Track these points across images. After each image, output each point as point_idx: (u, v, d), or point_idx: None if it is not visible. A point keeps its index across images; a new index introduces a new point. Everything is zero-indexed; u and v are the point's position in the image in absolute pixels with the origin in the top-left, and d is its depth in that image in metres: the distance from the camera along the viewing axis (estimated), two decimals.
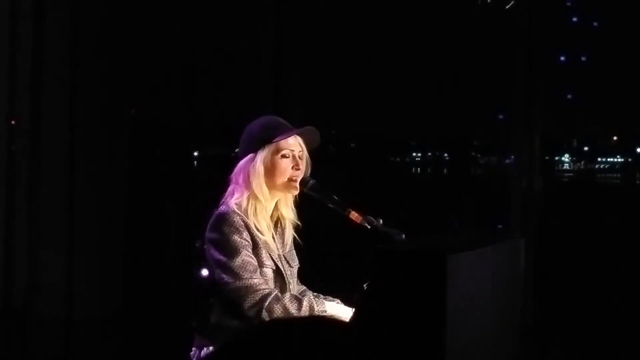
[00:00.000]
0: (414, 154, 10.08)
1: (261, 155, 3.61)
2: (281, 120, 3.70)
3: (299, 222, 3.74)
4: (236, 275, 3.48)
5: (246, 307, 3.46)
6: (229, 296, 3.48)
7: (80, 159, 7.58)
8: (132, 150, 7.97)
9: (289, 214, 3.72)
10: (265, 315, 3.44)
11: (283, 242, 3.71)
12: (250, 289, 3.47)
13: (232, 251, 3.50)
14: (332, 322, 3.39)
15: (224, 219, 3.54)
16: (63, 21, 7.53)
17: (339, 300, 3.70)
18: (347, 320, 3.39)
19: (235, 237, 3.52)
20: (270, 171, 3.61)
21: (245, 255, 3.51)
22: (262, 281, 3.51)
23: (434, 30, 8.83)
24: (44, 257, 7.56)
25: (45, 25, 7.52)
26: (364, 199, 3.83)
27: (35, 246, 7.54)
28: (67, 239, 7.58)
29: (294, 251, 3.77)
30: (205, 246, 3.57)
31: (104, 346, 7.15)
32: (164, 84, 8.84)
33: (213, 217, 3.58)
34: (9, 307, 7.54)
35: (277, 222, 3.72)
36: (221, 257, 3.50)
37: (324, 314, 3.54)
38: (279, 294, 3.51)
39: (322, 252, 7.38)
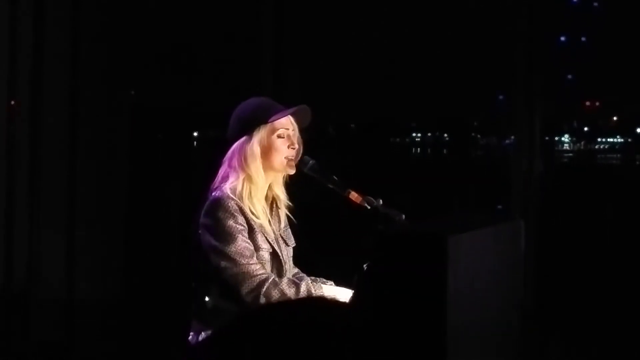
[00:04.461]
0: (414, 135, 10.07)
1: (257, 137, 3.60)
2: (271, 100, 3.69)
3: (290, 203, 3.74)
4: (233, 261, 3.47)
5: (244, 293, 3.46)
6: (227, 282, 3.49)
7: (81, 144, 7.56)
8: (133, 133, 7.95)
9: (282, 194, 3.71)
10: (263, 300, 3.45)
11: (279, 222, 3.71)
12: (247, 275, 3.47)
13: (228, 237, 3.49)
14: (331, 303, 3.39)
15: (219, 205, 3.52)
16: (64, 5, 7.50)
17: (332, 282, 3.70)
18: (346, 301, 3.39)
19: (231, 222, 3.51)
20: (267, 152, 3.61)
21: (242, 241, 3.50)
22: (260, 266, 3.50)
23: (433, 10, 8.81)
24: (45, 241, 7.55)
25: (46, 9, 7.49)
26: (364, 180, 3.82)
27: (35, 229, 7.53)
28: (68, 223, 7.57)
29: (289, 229, 3.77)
30: (199, 231, 3.55)
31: (104, 330, 7.15)
32: (164, 67, 8.83)
33: (207, 203, 3.57)
34: (9, 291, 7.54)
35: (272, 204, 3.71)
36: (217, 243, 3.49)
37: None
38: (277, 278, 3.51)
39: (321, 233, 7.38)
